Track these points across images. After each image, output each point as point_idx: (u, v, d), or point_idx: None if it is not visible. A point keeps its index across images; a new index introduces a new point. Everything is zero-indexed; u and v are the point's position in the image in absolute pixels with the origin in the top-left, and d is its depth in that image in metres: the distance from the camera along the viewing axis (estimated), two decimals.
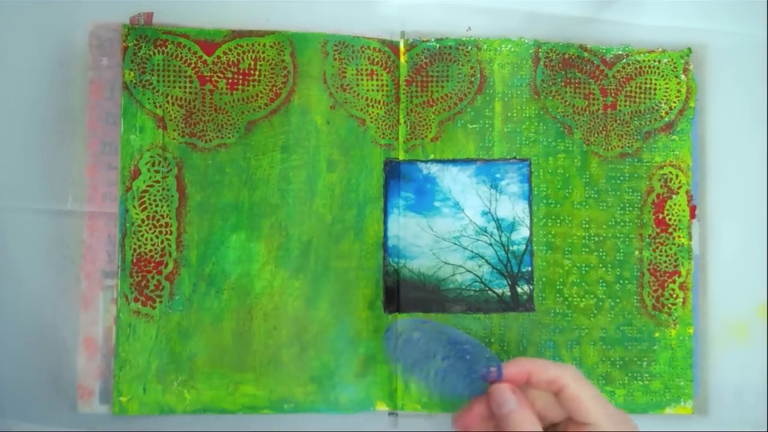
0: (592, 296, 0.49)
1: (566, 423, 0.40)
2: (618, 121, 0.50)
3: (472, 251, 0.49)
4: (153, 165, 0.47)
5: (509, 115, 0.50)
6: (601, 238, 0.50)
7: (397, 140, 0.49)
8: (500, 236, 0.49)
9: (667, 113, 0.50)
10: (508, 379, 0.40)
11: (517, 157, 0.50)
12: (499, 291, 0.49)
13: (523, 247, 0.49)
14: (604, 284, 0.49)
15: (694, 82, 0.51)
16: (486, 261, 0.49)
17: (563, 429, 0.40)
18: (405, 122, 0.49)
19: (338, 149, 0.48)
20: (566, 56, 0.50)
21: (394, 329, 0.46)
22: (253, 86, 0.48)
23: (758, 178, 0.51)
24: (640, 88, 0.50)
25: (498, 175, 0.50)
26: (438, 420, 0.48)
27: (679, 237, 0.50)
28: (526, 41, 0.50)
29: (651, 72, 0.50)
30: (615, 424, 0.38)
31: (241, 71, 0.48)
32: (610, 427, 0.38)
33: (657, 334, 0.49)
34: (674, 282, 0.50)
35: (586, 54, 0.50)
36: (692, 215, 0.50)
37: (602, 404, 0.39)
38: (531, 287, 0.49)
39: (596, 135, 0.50)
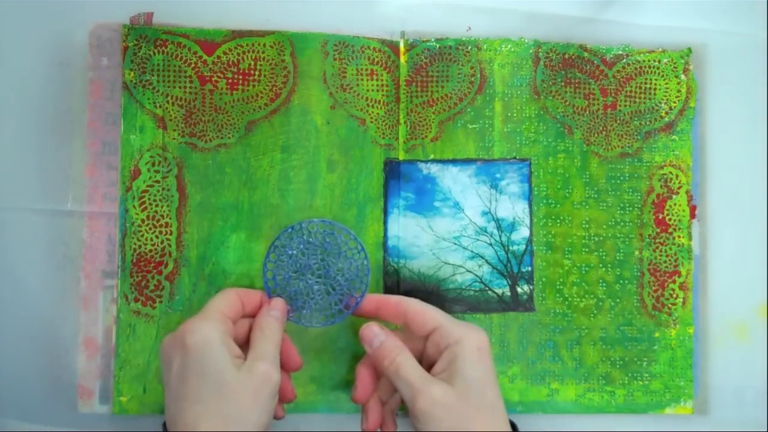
0: (592, 296, 0.49)
1: (426, 357, 0.43)
2: (618, 121, 0.50)
3: (472, 251, 0.49)
4: (153, 165, 0.47)
5: (509, 115, 0.50)
6: (601, 238, 0.50)
7: (397, 140, 0.49)
8: (500, 236, 0.49)
9: (667, 113, 0.50)
10: (361, 311, 0.45)
11: (517, 157, 0.50)
12: (499, 291, 0.49)
13: (523, 247, 0.49)
14: (604, 284, 0.49)
15: (694, 82, 0.51)
16: (486, 261, 0.49)
17: (425, 364, 0.43)
18: (405, 122, 0.49)
19: (338, 149, 0.48)
20: (566, 56, 0.50)
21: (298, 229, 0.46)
22: (253, 86, 0.48)
23: (758, 178, 0.51)
24: (640, 88, 0.50)
25: (498, 175, 0.50)
26: None
27: (679, 237, 0.50)
28: (526, 41, 0.50)
29: (651, 72, 0.50)
30: (458, 324, 0.42)
31: (241, 71, 0.48)
32: (454, 325, 0.42)
33: (657, 334, 0.49)
34: (674, 282, 0.50)
35: (586, 54, 0.50)
36: (692, 215, 0.50)
37: (443, 313, 0.43)
38: (531, 287, 0.49)
39: (596, 135, 0.50)
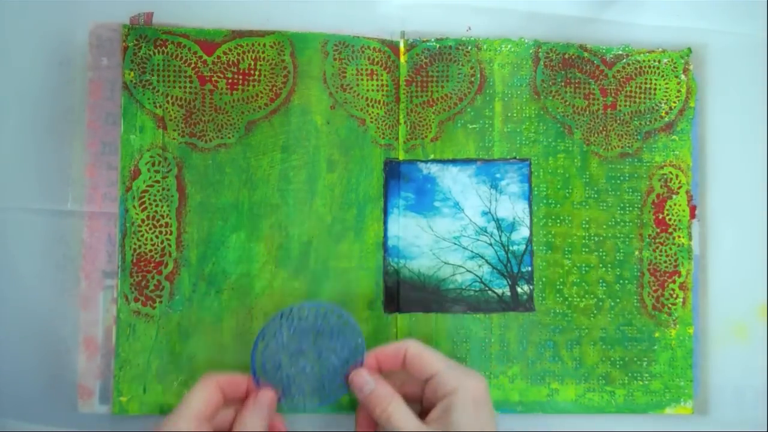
0: (592, 296, 0.49)
1: (425, 400, 0.43)
2: (618, 121, 0.50)
3: (472, 251, 0.49)
4: (153, 165, 0.47)
5: (509, 115, 0.50)
6: (601, 238, 0.50)
7: (397, 140, 0.49)
8: (500, 236, 0.49)
9: (667, 113, 0.50)
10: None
11: (517, 157, 0.50)
12: (499, 291, 0.49)
13: (523, 247, 0.49)
14: (604, 284, 0.49)
15: (694, 82, 0.51)
16: (486, 261, 0.49)
17: (425, 406, 0.42)
18: (405, 122, 0.49)
19: (338, 149, 0.48)
20: (566, 56, 0.50)
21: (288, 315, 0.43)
22: (253, 86, 0.48)
23: (758, 178, 0.51)
24: (640, 88, 0.50)
25: (498, 175, 0.50)
26: None
27: (679, 237, 0.50)
28: (526, 41, 0.50)
29: (651, 72, 0.50)
30: (456, 371, 0.41)
31: (241, 71, 0.48)
32: (452, 372, 0.41)
33: (657, 334, 0.49)
34: (674, 282, 0.50)
35: (586, 54, 0.50)
36: (692, 215, 0.50)
37: (442, 357, 0.42)
38: (531, 287, 0.49)
39: (596, 135, 0.50)
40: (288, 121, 0.48)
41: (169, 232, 0.47)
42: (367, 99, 0.49)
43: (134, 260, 0.47)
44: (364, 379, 0.42)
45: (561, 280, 0.49)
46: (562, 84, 0.50)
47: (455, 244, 0.49)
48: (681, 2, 0.51)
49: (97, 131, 0.47)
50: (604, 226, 0.50)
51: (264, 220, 0.48)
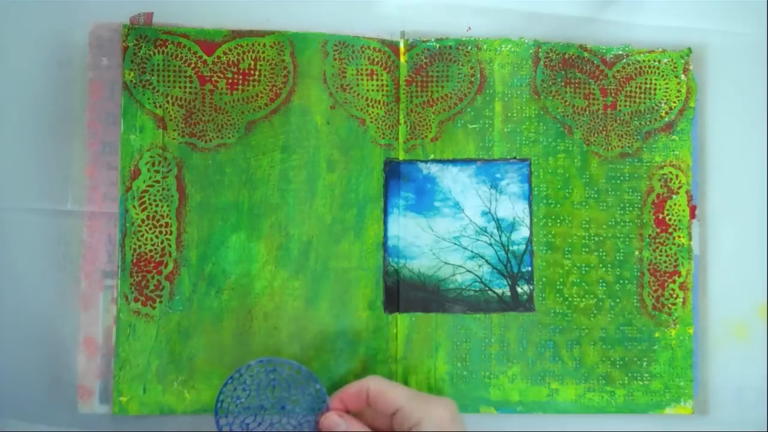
0: (592, 296, 0.49)
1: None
2: (618, 121, 0.50)
3: (472, 251, 0.49)
4: (153, 165, 0.47)
5: (509, 115, 0.50)
6: (601, 238, 0.50)
7: (397, 140, 0.49)
8: (500, 236, 0.49)
9: (667, 113, 0.50)
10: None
11: (517, 157, 0.50)
12: (499, 291, 0.49)
13: (523, 247, 0.49)
14: (604, 284, 0.49)
15: (694, 82, 0.51)
16: (486, 261, 0.49)
17: None
18: (405, 122, 0.49)
19: (338, 149, 0.49)
20: (566, 56, 0.50)
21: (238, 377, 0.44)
22: (253, 86, 0.48)
23: (758, 178, 0.51)
24: (640, 88, 0.50)
25: (498, 175, 0.50)
26: None
27: (679, 237, 0.50)
28: (526, 41, 0.50)
29: (651, 72, 0.50)
30: (419, 403, 0.41)
31: (241, 71, 0.48)
32: (415, 404, 0.41)
33: (657, 334, 0.49)
34: (674, 282, 0.50)
35: (586, 54, 0.50)
36: (692, 215, 0.50)
37: (404, 391, 0.42)
38: (531, 287, 0.49)
39: (596, 135, 0.50)
40: (288, 121, 0.48)
41: (169, 232, 0.47)
42: (367, 99, 0.49)
43: (134, 260, 0.47)
44: (335, 422, 0.42)
45: (561, 280, 0.49)
46: (562, 84, 0.50)
47: (455, 244, 0.49)
48: (681, 2, 0.51)
49: (97, 131, 0.47)
50: (604, 226, 0.50)
51: (264, 220, 0.48)
